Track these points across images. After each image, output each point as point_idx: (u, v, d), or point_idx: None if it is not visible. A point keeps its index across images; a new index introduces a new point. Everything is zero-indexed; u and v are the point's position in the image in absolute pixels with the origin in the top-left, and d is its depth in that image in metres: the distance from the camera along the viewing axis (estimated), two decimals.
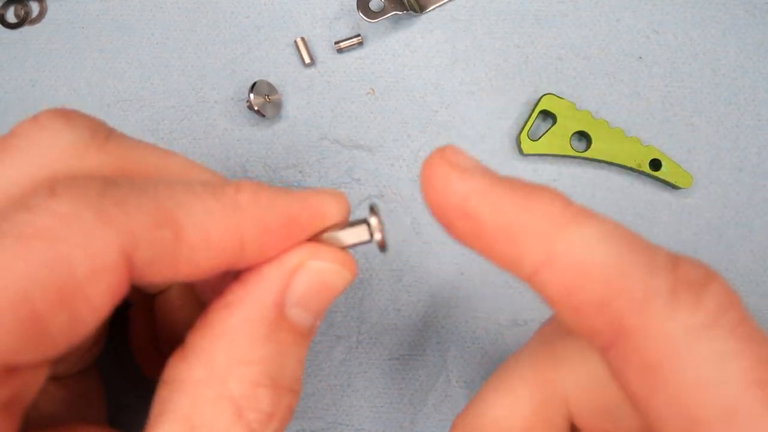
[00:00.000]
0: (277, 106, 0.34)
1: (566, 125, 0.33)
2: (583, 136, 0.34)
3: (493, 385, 0.21)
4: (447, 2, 0.35)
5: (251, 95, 0.32)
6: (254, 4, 0.35)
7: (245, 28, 0.35)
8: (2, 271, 0.15)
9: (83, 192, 0.16)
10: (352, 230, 0.20)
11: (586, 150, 0.33)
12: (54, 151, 0.18)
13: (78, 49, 0.35)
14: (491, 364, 0.32)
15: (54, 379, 0.23)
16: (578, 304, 0.15)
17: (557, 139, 0.33)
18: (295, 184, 0.34)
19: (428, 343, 0.32)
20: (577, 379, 0.19)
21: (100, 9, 0.35)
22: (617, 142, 0.33)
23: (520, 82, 0.35)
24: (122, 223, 0.16)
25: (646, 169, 0.33)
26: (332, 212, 0.20)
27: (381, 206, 0.33)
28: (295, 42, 0.34)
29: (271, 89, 0.33)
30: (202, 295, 0.25)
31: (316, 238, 0.20)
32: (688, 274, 0.15)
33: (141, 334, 0.27)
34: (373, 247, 0.32)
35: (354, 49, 0.35)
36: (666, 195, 0.34)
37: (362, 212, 0.33)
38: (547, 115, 0.34)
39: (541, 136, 0.33)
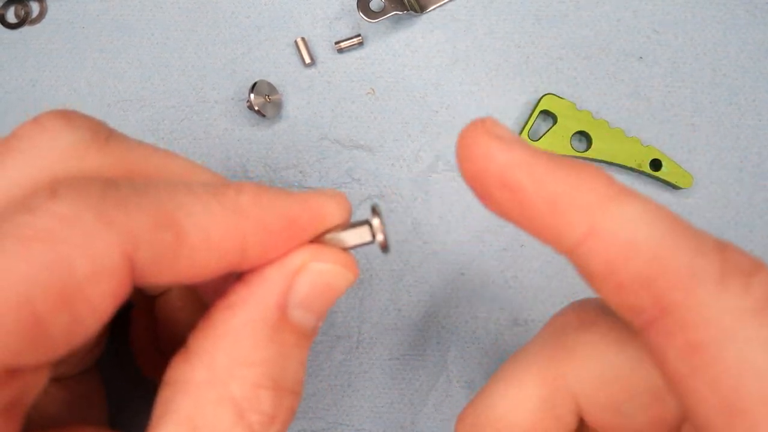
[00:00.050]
0: (278, 106, 0.34)
1: (566, 125, 0.33)
2: (584, 136, 0.34)
3: (500, 378, 0.20)
4: (447, 2, 0.35)
5: (251, 95, 0.32)
6: (254, 4, 0.35)
7: (245, 28, 0.35)
8: (3, 272, 0.15)
9: (84, 193, 0.16)
10: (354, 231, 0.20)
11: (586, 150, 0.33)
12: (55, 153, 0.18)
13: (78, 49, 0.35)
14: (491, 364, 0.32)
15: (55, 380, 0.23)
16: (622, 280, 0.15)
17: (558, 139, 0.33)
18: (296, 184, 0.34)
19: (428, 343, 0.32)
20: (588, 373, 0.19)
21: (100, 9, 0.35)
22: (618, 142, 0.33)
23: (521, 82, 0.35)
24: (123, 225, 0.16)
25: (647, 169, 0.33)
26: (334, 213, 0.20)
27: (381, 206, 0.33)
28: (296, 42, 0.34)
29: (272, 89, 0.33)
30: (204, 297, 0.25)
31: (318, 239, 0.20)
32: (737, 259, 0.15)
33: (142, 335, 0.27)
34: (374, 248, 0.32)
35: (354, 49, 0.35)
36: (666, 195, 0.34)
37: (363, 212, 0.33)
38: (547, 115, 0.34)
39: (541, 136, 0.33)
